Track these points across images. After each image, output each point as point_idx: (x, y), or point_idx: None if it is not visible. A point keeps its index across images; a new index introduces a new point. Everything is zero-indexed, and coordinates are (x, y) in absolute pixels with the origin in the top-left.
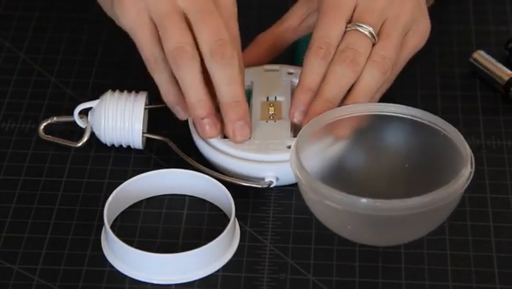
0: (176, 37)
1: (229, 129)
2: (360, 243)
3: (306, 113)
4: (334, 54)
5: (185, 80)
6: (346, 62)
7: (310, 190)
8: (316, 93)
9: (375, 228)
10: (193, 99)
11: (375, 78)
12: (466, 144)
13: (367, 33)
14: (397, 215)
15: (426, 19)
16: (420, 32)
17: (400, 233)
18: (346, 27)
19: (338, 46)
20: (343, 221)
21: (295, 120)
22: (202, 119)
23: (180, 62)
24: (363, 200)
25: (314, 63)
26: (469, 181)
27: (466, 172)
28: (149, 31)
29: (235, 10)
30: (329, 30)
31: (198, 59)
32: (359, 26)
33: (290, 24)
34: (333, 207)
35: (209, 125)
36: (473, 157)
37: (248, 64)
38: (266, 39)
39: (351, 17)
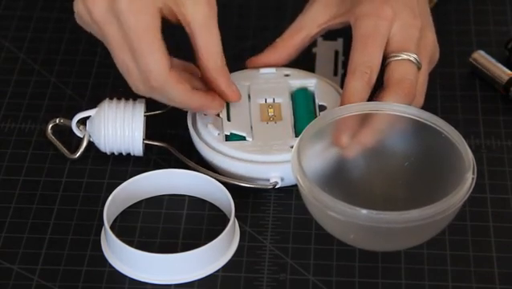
0: None
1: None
2: (363, 249)
3: (353, 137)
4: (388, 85)
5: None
6: (404, 92)
7: (312, 198)
8: (365, 121)
9: (378, 237)
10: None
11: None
12: (469, 150)
13: (416, 62)
14: (399, 227)
15: (437, 47)
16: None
17: (403, 240)
18: (394, 56)
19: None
20: (344, 231)
21: (343, 144)
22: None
23: None
24: (364, 211)
25: (359, 88)
26: (471, 189)
27: (468, 179)
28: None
29: None
30: (372, 56)
31: None
32: (408, 55)
33: (309, 32)
34: (334, 216)
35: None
36: (475, 164)
37: (266, 66)
38: (286, 46)
39: (387, 46)
